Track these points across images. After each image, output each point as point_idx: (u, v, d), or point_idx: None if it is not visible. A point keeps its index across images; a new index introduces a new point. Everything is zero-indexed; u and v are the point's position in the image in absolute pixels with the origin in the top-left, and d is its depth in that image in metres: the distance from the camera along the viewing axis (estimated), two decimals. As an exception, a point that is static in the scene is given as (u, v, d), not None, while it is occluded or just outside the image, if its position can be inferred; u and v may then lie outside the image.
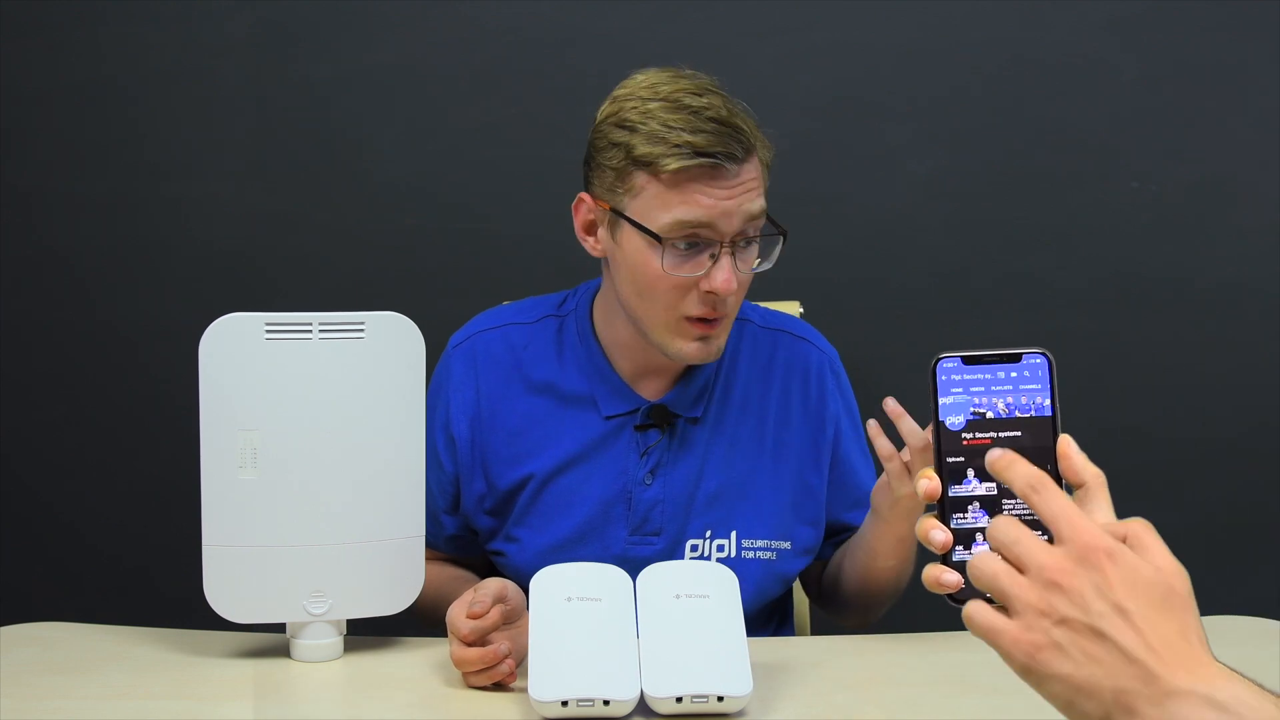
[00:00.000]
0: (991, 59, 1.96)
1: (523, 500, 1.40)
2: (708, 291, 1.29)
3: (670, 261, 1.28)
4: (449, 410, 1.43)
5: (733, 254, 1.28)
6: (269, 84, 1.97)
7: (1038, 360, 0.73)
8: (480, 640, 1.14)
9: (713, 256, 1.28)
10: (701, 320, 1.31)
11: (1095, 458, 0.71)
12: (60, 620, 1.36)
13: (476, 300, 1.75)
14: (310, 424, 1.21)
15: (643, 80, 1.32)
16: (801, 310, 1.63)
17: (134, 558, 2.02)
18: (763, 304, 1.52)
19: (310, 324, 1.21)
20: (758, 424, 1.42)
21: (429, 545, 1.46)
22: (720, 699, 1.07)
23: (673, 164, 1.25)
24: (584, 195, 1.36)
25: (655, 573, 1.18)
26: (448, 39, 1.96)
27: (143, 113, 1.98)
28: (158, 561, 1.96)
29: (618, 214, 1.31)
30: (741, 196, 1.28)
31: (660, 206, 1.28)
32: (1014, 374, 0.74)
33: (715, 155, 1.25)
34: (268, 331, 1.20)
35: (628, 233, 1.31)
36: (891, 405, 1.25)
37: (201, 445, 1.19)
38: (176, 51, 1.96)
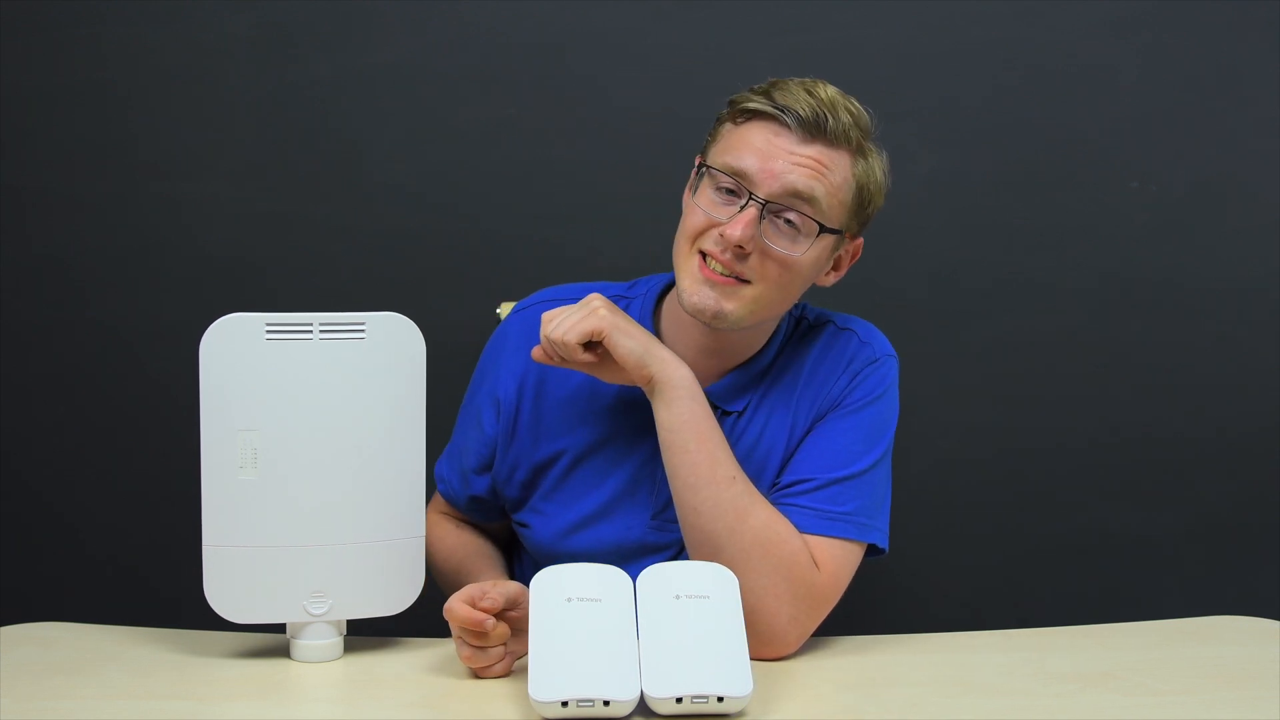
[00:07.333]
0: (991, 59, 1.96)
1: (554, 475, 1.39)
2: (722, 235, 1.27)
3: (704, 195, 1.29)
4: (499, 373, 1.42)
5: (761, 214, 1.26)
6: (269, 84, 1.97)
7: None
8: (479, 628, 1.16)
9: (742, 208, 1.27)
10: (708, 259, 1.28)
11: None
12: (60, 620, 1.36)
13: (476, 300, 1.75)
14: (310, 424, 1.21)
15: None
16: (801, 310, 1.63)
17: (134, 558, 2.02)
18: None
19: (310, 324, 1.21)
20: (788, 414, 1.38)
21: (451, 504, 1.47)
22: (720, 699, 1.07)
23: (747, 104, 1.28)
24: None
25: (655, 573, 1.18)
26: (447, 39, 1.96)
27: (143, 113, 1.98)
28: (158, 561, 1.96)
29: (699, 167, 1.32)
30: (794, 165, 1.26)
31: (723, 146, 1.30)
32: None
33: (786, 110, 1.26)
34: (268, 332, 1.20)
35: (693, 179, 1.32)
36: None
37: (201, 445, 1.19)
38: (176, 51, 1.96)
